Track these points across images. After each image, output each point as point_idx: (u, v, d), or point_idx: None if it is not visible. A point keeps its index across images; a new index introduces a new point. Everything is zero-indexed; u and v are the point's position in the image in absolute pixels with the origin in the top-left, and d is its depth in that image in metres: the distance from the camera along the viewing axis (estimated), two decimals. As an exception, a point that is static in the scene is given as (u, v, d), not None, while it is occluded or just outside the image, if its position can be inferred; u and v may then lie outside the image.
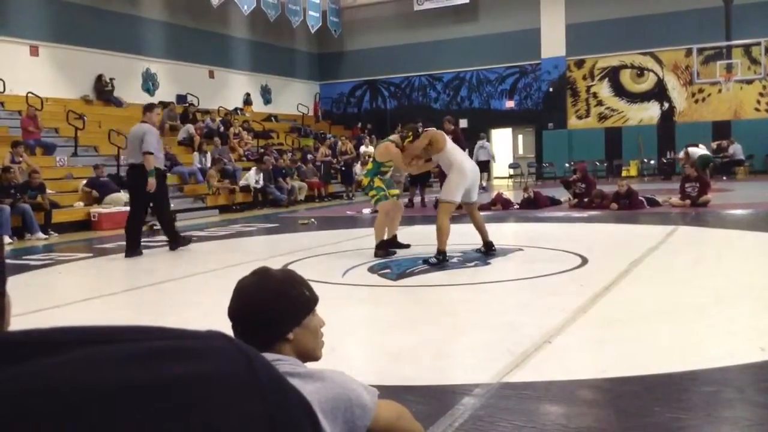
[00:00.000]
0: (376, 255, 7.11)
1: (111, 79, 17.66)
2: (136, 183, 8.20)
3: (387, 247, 7.31)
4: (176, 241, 8.51)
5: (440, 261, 6.53)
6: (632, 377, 3.18)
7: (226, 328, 1.55)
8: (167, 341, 0.45)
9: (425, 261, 6.60)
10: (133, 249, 8.09)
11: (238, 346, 0.47)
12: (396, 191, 7.72)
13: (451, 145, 6.93)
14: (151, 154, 8.08)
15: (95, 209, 12.32)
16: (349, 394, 1.45)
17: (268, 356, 1.49)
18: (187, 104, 19.06)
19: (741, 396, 2.95)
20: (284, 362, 1.47)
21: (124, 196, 12.94)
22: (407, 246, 7.55)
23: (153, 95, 18.77)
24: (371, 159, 7.92)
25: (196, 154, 16.22)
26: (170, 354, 0.44)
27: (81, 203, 12.54)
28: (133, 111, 17.31)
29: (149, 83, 18.98)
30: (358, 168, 18.19)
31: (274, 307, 1.56)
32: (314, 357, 1.63)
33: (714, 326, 4.06)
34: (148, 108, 8.65)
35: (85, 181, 13.11)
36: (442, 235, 6.62)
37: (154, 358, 0.43)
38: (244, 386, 0.44)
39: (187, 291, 6.00)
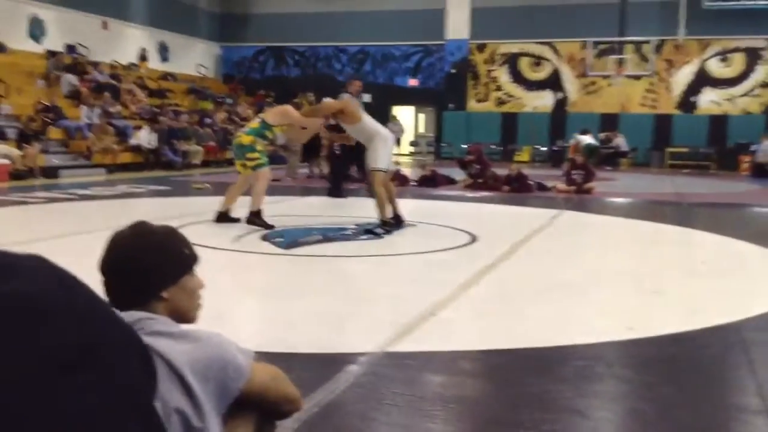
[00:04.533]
0: (251, 223, 6.78)
1: (-7, 23, 16.43)
2: None
3: (224, 219, 7.00)
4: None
5: (387, 231, 6.55)
6: (508, 350, 3.30)
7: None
8: None
9: (369, 231, 6.56)
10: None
11: (52, 267, 0.43)
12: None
13: (367, 116, 6.96)
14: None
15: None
16: (224, 354, 1.40)
17: (140, 314, 1.42)
18: (77, 55, 18.01)
19: (609, 371, 3.12)
20: (156, 321, 1.41)
21: (1, 147, 12.15)
22: (237, 220, 7.05)
23: (40, 43, 17.62)
24: (258, 119, 7.19)
25: (83, 107, 15.40)
26: None
27: (-47, 152, 11.67)
28: (17, 58, 16.23)
29: (36, 30, 17.79)
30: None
31: (150, 263, 1.49)
32: (189, 319, 1.57)
33: (587, 305, 4.26)
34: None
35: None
36: (382, 204, 6.69)
37: None
38: (57, 310, 0.41)
39: (65, 252, 5.71)
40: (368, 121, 6.95)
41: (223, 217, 7.07)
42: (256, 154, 6.96)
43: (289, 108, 7.20)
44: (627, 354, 3.39)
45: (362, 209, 7.62)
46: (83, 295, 0.44)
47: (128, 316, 1.40)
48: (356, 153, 12.01)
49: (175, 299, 1.52)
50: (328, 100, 7.27)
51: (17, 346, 0.37)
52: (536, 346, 3.35)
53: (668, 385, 2.93)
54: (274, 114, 7.14)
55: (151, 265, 1.49)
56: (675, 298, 4.48)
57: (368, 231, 6.60)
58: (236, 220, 7.04)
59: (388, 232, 6.58)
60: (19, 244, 5.66)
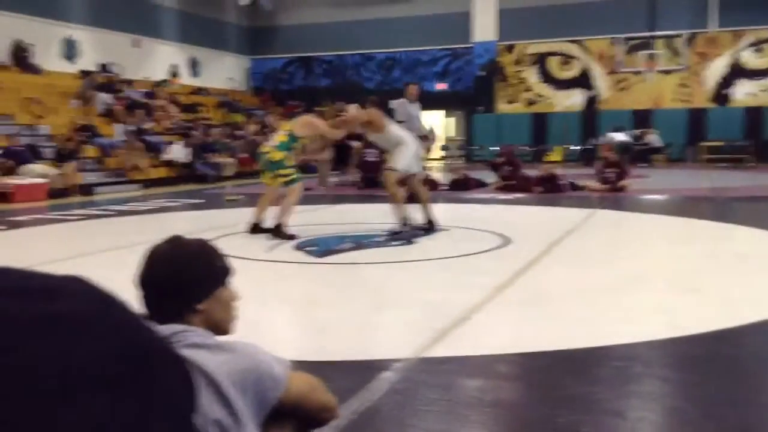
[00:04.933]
0: (275, 236, 6.72)
1: (30, 45, 16.84)
2: None
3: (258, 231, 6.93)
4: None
5: (406, 229, 6.64)
6: (546, 352, 3.28)
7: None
8: (30, 281, 0.44)
9: (393, 234, 6.65)
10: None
11: (92, 289, 0.45)
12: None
13: (393, 125, 7.06)
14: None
15: (9, 180, 11.78)
16: (260, 365, 1.43)
17: (177, 327, 1.45)
18: (111, 74, 18.38)
19: (648, 370, 3.08)
20: (193, 334, 1.44)
21: (39, 167, 12.45)
22: (270, 230, 6.93)
23: (74, 63, 18.03)
24: (286, 132, 7.02)
25: (118, 125, 15.69)
26: (25, 294, 0.42)
27: (-6, 173, 11.97)
28: (53, 78, 16.63)
29: (70, 51, 18.21)
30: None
31: (185, 276, 1.52)
32: (225, 330, 1.60)
33: (625, 305, 4.21)
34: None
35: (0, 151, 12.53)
36: (399, 204, 6.78)
37: (19, 297, 0.42)
38: (96, 325, 0.43)
39: (102, 266, 5.82)
40: (394, 129, 7.02)
41: (257, 229, 7.10)
42: (290, 170, 6.91)
43: (315, 119, 7.19)
44: (666, 353, 3.34)
45: (389, 215, 7.63)
46: (122, 311, 0.47)
47: (166, 329, 1.43)
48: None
49: (211, 311, 1.55)
50: (353, 109, 7.29)
51: (56, 360, 0.39)
52: (573, 348, 3.32)
53: (709, 383, 2.89)
54: (301, 125, 7.06)
55: (186, 279, 1.52)
56: (714, 295, 4.41)
57: (392, 233, 6.66)
58: (270, 231, 7.00)
59: (413, 231, 6.62)
60: (57, 261, 5.80)
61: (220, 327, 1.58)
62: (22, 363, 0.40)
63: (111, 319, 0.45)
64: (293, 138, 6.93)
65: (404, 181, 7.10)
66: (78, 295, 0.45)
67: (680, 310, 4.06)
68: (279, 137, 7.06)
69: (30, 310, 0.42)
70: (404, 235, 6.65)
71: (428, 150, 12.04)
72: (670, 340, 3.44)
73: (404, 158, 6.90)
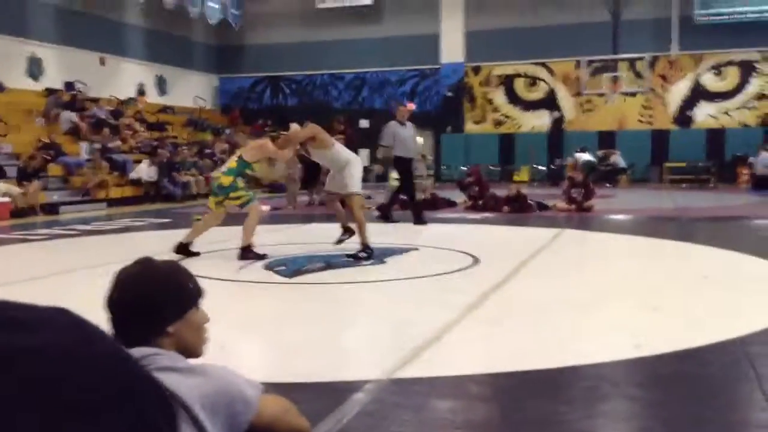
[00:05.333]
0: (244, 258, 6.66)
1: (-8, 62, 16.57)
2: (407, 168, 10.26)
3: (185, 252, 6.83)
4: (419, 217, 10.05)
5: (369, 255, 6.63)
6: (515, 372, 3.30)
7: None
8: (14, 312, 0.44)
9: (352, 257, 6.62)
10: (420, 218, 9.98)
11: (75, 320, 0.45)
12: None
13: (337, 144, 7.06)
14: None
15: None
16: (231, 388, 1.41)
17: (147, 350, 1.43)
18: (76, 92, 18.15)
19: (616, 390, 3.11)
20: (163, 356, 1.42)
21: (2, 185, 12.20)
22: (197, 254, 6.92)
23: (38, 81, 17.77)
24: (236, 157, 7.14)
25: (83, 144, 15.48)
26: (10, 326, 0.42)
27: (-45, 192, 11.71)
28: (16, 96, 16.35)
29: (35, 68, 17.95)
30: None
31: (156, 299, 1.50)
32: (196, 353, 1.58)
33: (592, 324, 4.26)
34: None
35: (-40, 169, 12.27)
36: (363, 229, 6.76)
37: (3, 328, 0.41)
38: (77, 357, 0.42)
39: (68, 286, 5.72)
40: (339, 148, 7.03)
41: (183, 249, 6.89)
42: (240, 192, 6.95)
43: (264, 142, 7.19)
44: (633, 372, 3.38)
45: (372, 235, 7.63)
46: (104, 342, 0.46)
47: (136, 351, 1.41)
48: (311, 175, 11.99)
49: (182, 334, 1.53)
50: (295, 127, 7.22)
51: (40, 391, 0.39)
52: (542, 368, 3.34)
53: (676, 402, 2.93)
54: (250, 150, 7.13)
55: (157, 301, 1.50)
56: (679, 314, 4.48)
57: (351, 256, 6.65)
58: (196, 254, 6.92)
59: (369, 256, 6.65)
60: (20, 283, 5.67)
61: (190, 349, 1.56)
62: (4, 393, 0.39)
63: (93, 349, 0.44)
64: (243, 163, 7.00)
65: (343, 201, 7.12)
66: (61, 327, 0.44)
67: (646, 329, 4.11)
68: (230, 163, 7.17)
69: (13, 341, 0.41)
70: (358, 255, 6.64)
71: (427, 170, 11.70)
72: (636, 359, 3.48)
73: (358, 179, 6.95)
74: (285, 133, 7.13)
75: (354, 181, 6.89)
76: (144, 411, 0.47)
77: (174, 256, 6.46)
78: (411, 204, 10.36)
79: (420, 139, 11.54)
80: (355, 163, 6.99)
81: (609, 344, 3.75)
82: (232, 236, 7.26)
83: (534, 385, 3.16)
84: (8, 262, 7.16)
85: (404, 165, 10.33)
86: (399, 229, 9.47)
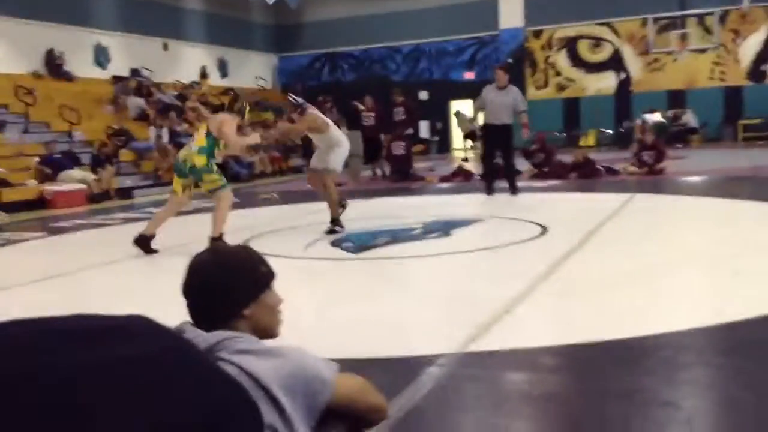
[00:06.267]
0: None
1: (62, 53, 17.11)
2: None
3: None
4: (514, 186, 9.77)
5: (339, 226, 6.93)
6: (592, 343, 3.22)
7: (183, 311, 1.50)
8: (96, 322, 0.43)
9: (330, 232, 6.87)
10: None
11: (160, 329, 0.44)
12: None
13: (332, 125, 7.23)
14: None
15: (48, 187, 12.00)
16: (308, 369, 1.42)
17: (224, 334, 1.45)
18: (142, 78, 18.59)
19: (699, 358, 3.01)
20: (240, 340, 1.43)
21: (77, 173, 12.65)
22: (155, 251, 6.27)
23: (105, 69, 18.27)
24: (205, 133, 6.18)
25: (152, 128, 15.87)
26: (107, 337, 0.41)
27: (34, 181, 12.19)
28: (86, 85, 16.87)
29: (101, 57, 18.46)
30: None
31: (230, 284, 1.52)
32: (272, 334, 1.59)
33: (670, 291, 4.13)
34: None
35: (37, 159, 12.76)
36: (334, 203, 7.02)
37: (92, 341, 0.41)
38: (170, 367, 0.41)
39: (142, 273, 5.89)
40: (334, 130, 7.22)
41: (143, 242, 6.22)
42: (214, 176, 6.18)
43: (227, 120, 6.23)
44: (716, 339, 3.26)
45: (428, 209, 7.60)
46: (189, 352, 0.46)
47: (213, 336, 1.43)
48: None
49: (257, 316, 1.55)
50: (283, 125, 7.60)
51: (148, 400, 0.39)
52: (619, 338, 3.26)
53: (763, 369, 2.81)
54: (213, 123, 6.23)
55: (231, 285, 1.52)
56: (762, 277, 4.29)
57: (329, 232, 6.88)
58: (155, 251, 6.24)
59: (342, 228, 6.92)
60: (100, 266, 5.88)
61: (266, 331, 1.58)
62: (119, 401, 0.39)
63: (188, 368, 0.44)
64: (212, 139, 6.17)
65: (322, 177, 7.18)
66: (150, 338, 0.44)
67: (727, 294, 3.96)
68: (198, 140, 6.22)
69: (115, 351, 0.41)
70: (335, 229, 6.89)
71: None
72: (719, 326, 3.36)
73: (340, 161, 7.22)
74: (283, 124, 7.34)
75: (337, 160, 7.15)
76: (237, 422, 0.47)
77: (136, 250, 6.16)
78: (508, 173, 9.97)
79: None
80: (344, 145, 7.22)
81: (689, 311, 3.63)
82: (303, 212, 7.33)
83: (613, 355, 3.08)
84: (89, 247, 7.42)
85: (492, 132, 9.90)
86: (468, 201, 9.39)
